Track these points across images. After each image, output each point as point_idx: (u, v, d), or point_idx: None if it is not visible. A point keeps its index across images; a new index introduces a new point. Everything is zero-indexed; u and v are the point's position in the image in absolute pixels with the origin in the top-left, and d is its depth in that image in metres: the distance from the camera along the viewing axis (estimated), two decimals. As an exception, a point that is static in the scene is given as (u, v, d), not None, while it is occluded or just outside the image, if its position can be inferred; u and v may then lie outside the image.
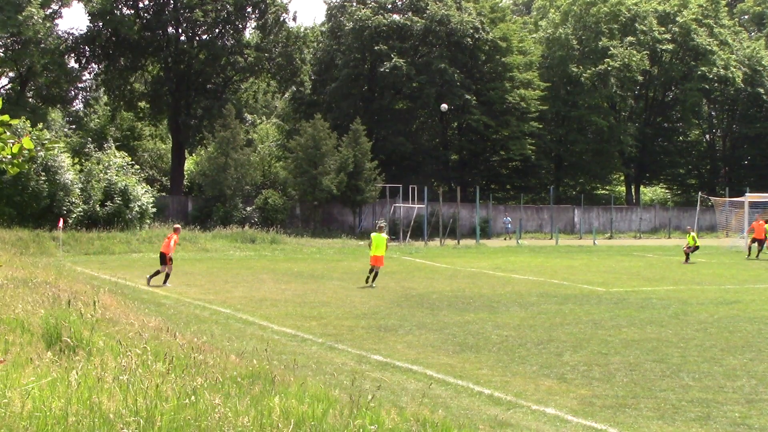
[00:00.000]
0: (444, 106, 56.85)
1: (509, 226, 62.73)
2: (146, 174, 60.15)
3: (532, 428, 10.09)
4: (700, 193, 64.89)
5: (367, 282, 26.34)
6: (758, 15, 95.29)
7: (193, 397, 8.04)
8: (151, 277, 25.90)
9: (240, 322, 18.16)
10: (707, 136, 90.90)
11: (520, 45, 70.45)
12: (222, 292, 24.05)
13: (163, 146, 70.48)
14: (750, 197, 51.56)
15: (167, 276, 25.96)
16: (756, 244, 41.81)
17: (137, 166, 50.21)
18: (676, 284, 27.75)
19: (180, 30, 61.27)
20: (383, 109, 66.89)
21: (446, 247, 49.64)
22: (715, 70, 76.53)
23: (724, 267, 35.91)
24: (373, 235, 27.24)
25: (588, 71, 71.42)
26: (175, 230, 27.34)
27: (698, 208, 59.70)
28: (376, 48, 63.49)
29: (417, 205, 55.32)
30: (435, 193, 60.28)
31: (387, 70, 62.29)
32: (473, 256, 41.73)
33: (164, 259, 26.14)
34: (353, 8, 66.13)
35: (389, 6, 67.99)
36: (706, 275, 31.67)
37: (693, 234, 39.59)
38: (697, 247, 39.52)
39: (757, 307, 21.49)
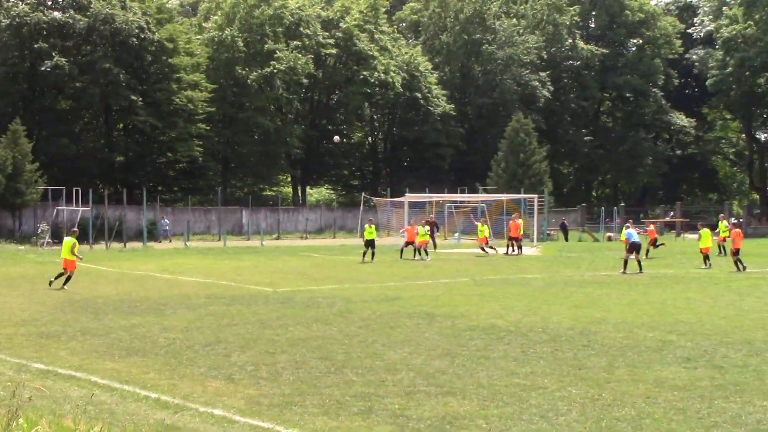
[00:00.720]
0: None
1: (167, 228, 62.01)
2: None
3: (200, 430, 10.04)
4: (363, 193, 67.40)
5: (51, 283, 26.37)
6: (415, 23, 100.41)
7: None
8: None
9: None
10: (370, 139, 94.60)
11: (187, 46, 69.79)
12: None
13: None
14: (409, 197, 54.30)
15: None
16: (408, 246, 43.40)
17: None
18: (340, 283, 28.62)
19: None
20: (45, 109, 64.13)
21: (112, 251, 48.34)
22: (376, 74, 79.74)
23: (385, 265, 37.41)
24: (65, 240, 27.65)
25: (254, 73, 72.04)
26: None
27: (361, 208, 61.99)
28: (36, 46, 60.61)
29: (81, 208, 53.46)
30: (100, 196, 58.45)
31: (48, 69, 59.75)
32: (140, 259, 40.92)
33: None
34: (9, 4, 62.60)
35: (50, 3, 65.17)
36: (369, 273, 32.90)
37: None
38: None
39: (416, 302, 22.55)
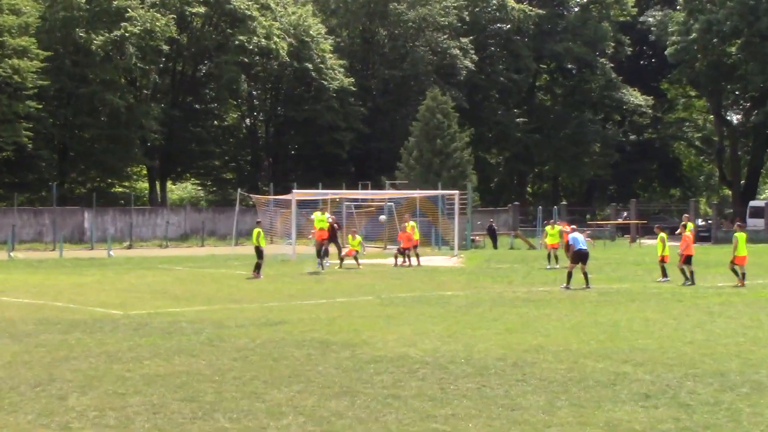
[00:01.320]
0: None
1: None
2: None
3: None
4: (239, 189, 66.98)
5: None
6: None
7: None
8: None
9: None
10: (248, 121, 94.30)
11: (13, 3, 68.47)
12: None
13: None
14: (298, 194, 54.06)
15: None
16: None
17: None
18: (210, 303, 28.38)
19: None
20: None
21: None
22: (255, 39, 79.40)
23: (267, 280, 37.26)
24: None
25: (100, 37, 71.00)
26: None
27: (237, 208, 61.54)
28: None
29: None
30: None
31: None
32: (-50, 276, 40.05)
33: None
34: None
35: None
36: (247, 291, 32.71)
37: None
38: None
39: (305, 327, 22.45)
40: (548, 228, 46.83)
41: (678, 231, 39.76)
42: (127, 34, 71.55)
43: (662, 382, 15.62)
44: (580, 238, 34.52)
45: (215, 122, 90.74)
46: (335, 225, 48.44)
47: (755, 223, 78.55)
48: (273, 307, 27.08)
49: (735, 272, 34.43)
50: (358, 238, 48.16)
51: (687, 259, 35.48)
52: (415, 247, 46.82)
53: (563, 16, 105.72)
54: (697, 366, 17.11)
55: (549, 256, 45.31)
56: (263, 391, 14.87)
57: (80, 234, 68.52)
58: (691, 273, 35.12)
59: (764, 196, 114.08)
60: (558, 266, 43.53)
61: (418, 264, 45.67)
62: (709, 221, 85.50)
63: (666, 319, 24.09)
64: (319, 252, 41.97)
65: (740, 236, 34.68)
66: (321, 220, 43.30)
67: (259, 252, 39.18)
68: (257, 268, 38.75)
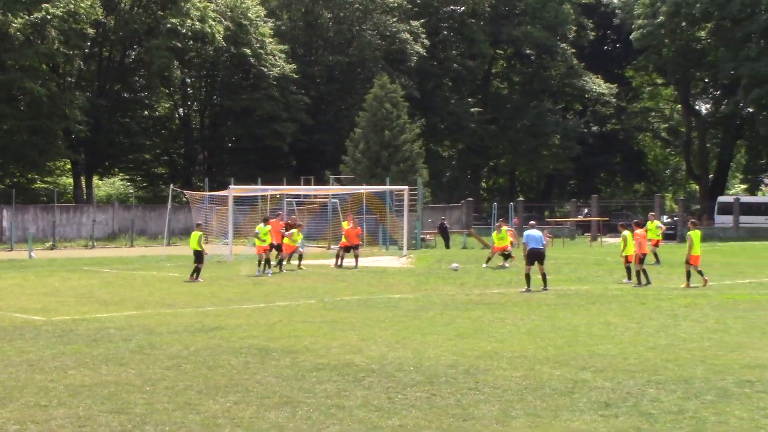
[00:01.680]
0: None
1: None
2: None
3: None
4: (172, 185, 66.68)
5: None
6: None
7: None
8: None
9: None
10: (181, 110, 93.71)
11: None
12: None
13: None
14: (235, 190, 53.85)
15: None
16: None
17: None
18: (140, 308, 28.25)
19: None
20: None
21: None
22: (188, 22, 78.92)
23: (202, 283, 37.11)
24: None
25: (19, 20, 70.37)
26: None
27: (170, 205, 61.19)
28: None
29: None
30: None
31: None
32: None
33: None
34: None
35: None
36: (180, 294, 32.55)
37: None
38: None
39: (243, 333, 22.43)
40: (495, 234, 47.09)
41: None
42: (48, 17, 70.79)
43: (623, 389, 15.79)
44: (534, 236, 34.43)
45: (145, 112, 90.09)
46: (294, 226, 48.36)
47: (724, 221, 78.99)
48: (208, 312, 27.03)
49: (688, 274, 34.99)
50: (301, 234, 47.91)
51: (641, 259, 35.99)
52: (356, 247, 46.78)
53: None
54: (660, 372, 17.30)
55: (489, 258, 45.77)
56: (197, 402, 14.87)
57: (-2, 234, 68.08)
58: (644, 271, 35.64)
59: (734, 191, 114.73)
60: (508, 265, 44.02)
61: (356, 265, 45.63)
62: (675, 218, 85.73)
63: (628, 323, 24.31)
64: (260, 261, 41.75)
65: (695, 234, 35.32)
66: (265, 233, 42.69)
67: (199, 256, 39.04)
68: (197, 272, 38.61)
